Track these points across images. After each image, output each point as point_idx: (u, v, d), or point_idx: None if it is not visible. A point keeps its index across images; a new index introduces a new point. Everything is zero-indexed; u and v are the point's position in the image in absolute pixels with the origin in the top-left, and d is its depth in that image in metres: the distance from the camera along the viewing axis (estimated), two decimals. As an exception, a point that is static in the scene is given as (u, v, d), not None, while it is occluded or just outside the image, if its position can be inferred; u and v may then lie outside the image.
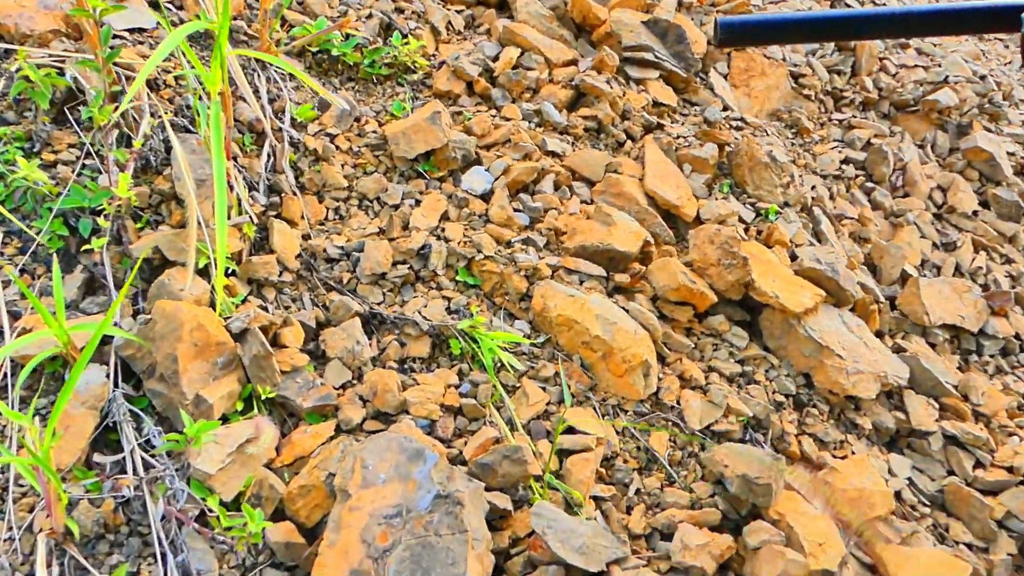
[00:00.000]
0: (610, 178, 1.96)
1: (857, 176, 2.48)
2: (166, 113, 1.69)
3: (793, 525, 1.44)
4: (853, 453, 1.74)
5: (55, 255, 1.45)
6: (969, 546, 1.66)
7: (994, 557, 1.63)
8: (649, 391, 1.64)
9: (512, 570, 1.31)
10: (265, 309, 1.54)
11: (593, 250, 1.76)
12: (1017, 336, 2.19)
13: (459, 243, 1.73)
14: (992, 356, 2.14)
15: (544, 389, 1.58)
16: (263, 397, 1.39)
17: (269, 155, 1.79)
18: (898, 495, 1.70)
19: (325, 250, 1.68)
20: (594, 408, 1.60)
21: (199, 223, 1.49)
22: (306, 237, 1.71)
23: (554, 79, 2.19)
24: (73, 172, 1.59)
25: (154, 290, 1.44)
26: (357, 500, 1.23)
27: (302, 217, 1.73)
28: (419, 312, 1.61)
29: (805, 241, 2.12)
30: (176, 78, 1.83)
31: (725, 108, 2.40)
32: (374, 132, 1.94)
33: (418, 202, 1.81)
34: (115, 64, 1.68)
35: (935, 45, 3.08)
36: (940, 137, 2.68)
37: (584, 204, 1.94)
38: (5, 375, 1.33)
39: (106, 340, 1.39)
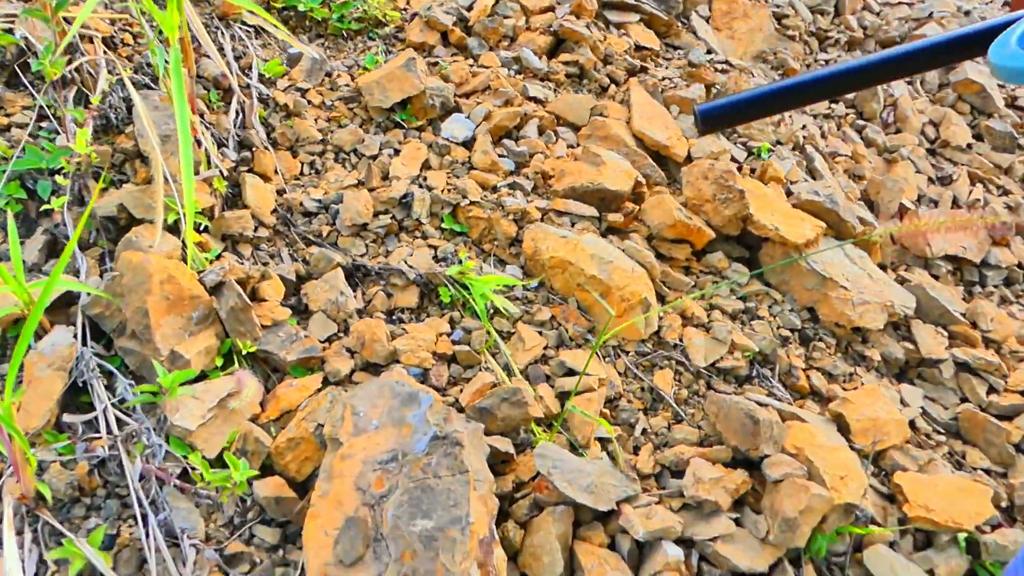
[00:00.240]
0: (596, 121, 1.89)
1: (847, 114, 2.42)
2: (125, 70, 1.61)
3: (812, 458, 1.37)
4: (863, 385, 1.67)
5: (12, 219, 1.36)
6: (987, 472, 1.60)
7: (1014, 481, 1.57)
8: (650, 330, 1.57)
9: (517, 513, 1.24)
10: (241, 265, 1.46)
11: (583, 191, 1.69)
12: (1020, 265, 2.14)
13: (443, 190, 1.65)
14: (996, 286, 2.08)
15: (540, 333, 1.51)
16: (244, 352, 1.31)
17: (238, 112, 1.71)
18: (912, 425, 1.64)
19: (302, 204, 1.60)
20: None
21: (166, 178, 1.41)
22: (281, 192, 1.63)
23: (531, 26, 2.12)
24: (28, 134, 1.50)
25: (121, 248, 1.36)
26: (349, 448, 1.15)
27: (276, 172, 1.64)
28: (405, 262, 1.54)
29: (800, 178, 2.05)
30: (135, 36, 1.74)
31: (709, 51, 2.33)
32: (347, 86, 1.85)
33: (397, 152, 1.73)
34: (66, 19, 1.58)
35: (917, -17, 3.02)
36: (929, 72, 2.62)
37: (571, 148, 1.86)
38: (-35, 343, 1.25)
39: (72, 301, 1.31)
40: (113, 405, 1.19)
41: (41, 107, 1.54)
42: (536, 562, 1.19)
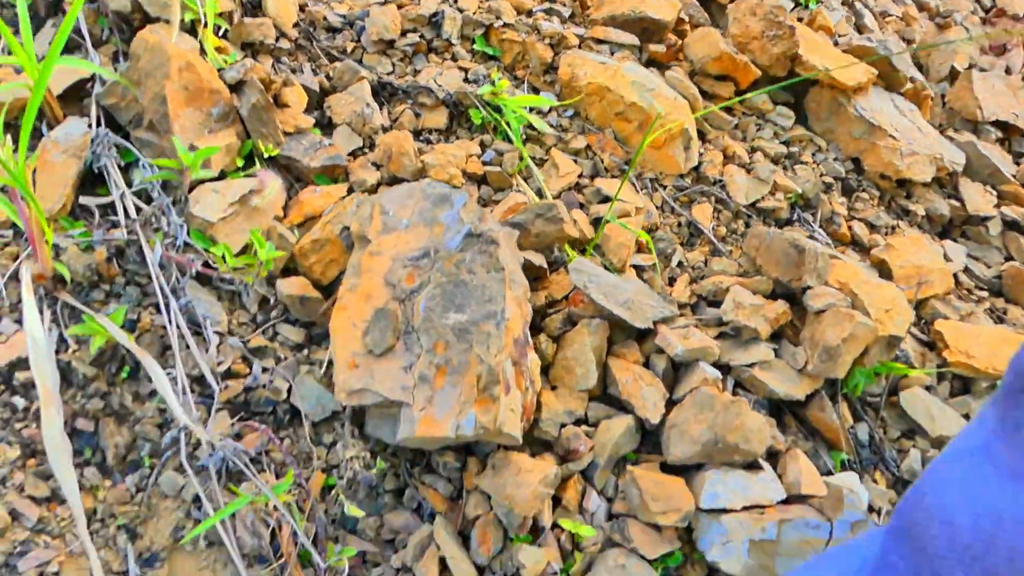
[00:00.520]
0: (638, -45, 1.76)
1: (901, -26, 2.27)
2: None
3: (857, 292, 1.31)
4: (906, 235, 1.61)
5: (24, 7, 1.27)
6: (1029, 328, 1.55)
7: (1056, 337, 1.52)
8: (690, 164, 1.49)
9: (550, 327, 1.19)
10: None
11: (624, 19, 1.59)
12: (1072, 137, 2.04)
13: (475, 11, 1.55)
14: (1045, 157, 1.98)
15: (575, 161, 1.43)
16: (265, 155, 1.24)
17: (257, -79, 1.59)
18: (954, 279, 1.58)
19: (325, 18, 1.50)
20: (631, 183, 1.45)
21: (182, -25, 1.31)
22: (303, 7, 1.53)
23: None
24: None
25: (136, 44, 1.27)
26: (378, 246, 1.10)
27: (298, -15, 1.54)
28: (434, 81, 1.45)
29: (848, 32, 1.94)
30: None
31: None
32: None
33: (427, -29, 1.62)
34: None
35: None
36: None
37: (610, -18, 1.74)
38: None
39: (86, 93, 1.24)
40: (131, 193, 1.13)
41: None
42: (568, 375, 1.15)
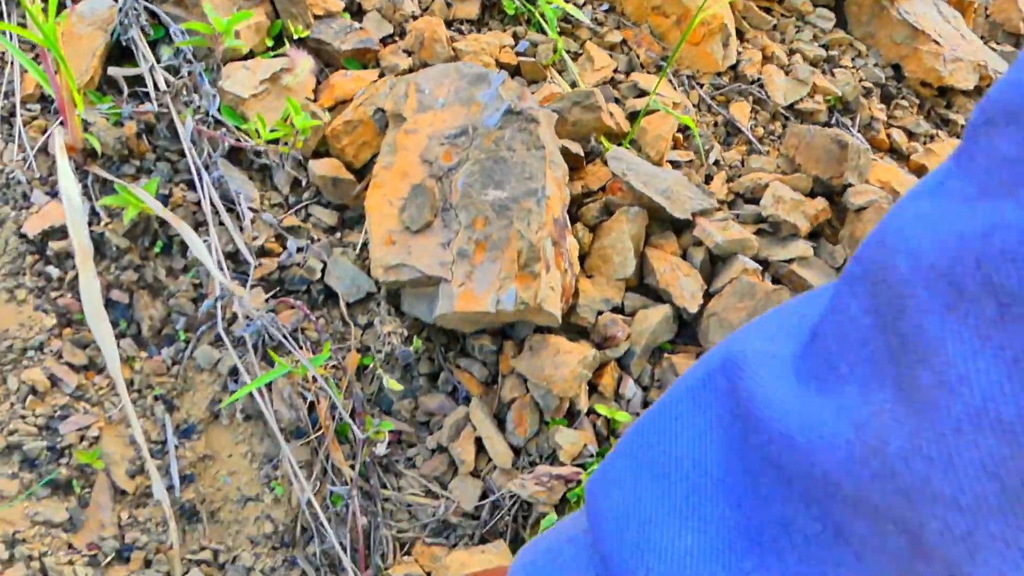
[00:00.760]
0: None
1: None
2: None
3: (899, 191, 1.28)
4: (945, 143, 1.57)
5: None
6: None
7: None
8: (728, 62, 1.45)
9: (587, 216, 1.17)
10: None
11: (662, -90, 1.52)
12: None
13: (507, -100, 1.49)
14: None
15: (611, 55, 1.39)
16: (295, 37, 1.20)
17: None
18: (993, 189, 1.55)
19: (353, -97, 1.44)
20: (668, 79, 1.41)
21: None
22: None
23: None
24: None
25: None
26: (413, 124, 1.07)
27: None
28: (466, -30, 1.40)
29: (892, -63, 1.86)
30: None
31: None
32: None
33: None
34: None
35: None
36: None
37: None
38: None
39: (109, -32, 1.19)
40: (161, 68, 1.09)
41: None
42: (605, 264, 1.13)
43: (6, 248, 0.98)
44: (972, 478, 0.26)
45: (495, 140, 1.03)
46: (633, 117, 1.31)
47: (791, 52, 1.55)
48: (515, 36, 1.37)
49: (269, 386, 0.96)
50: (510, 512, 1.01)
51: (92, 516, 0.90)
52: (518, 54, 1.33)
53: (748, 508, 0.35)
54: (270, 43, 1.19)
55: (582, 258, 1.16)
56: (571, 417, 1.06)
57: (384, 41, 1.31)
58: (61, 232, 0.98)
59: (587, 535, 0.45)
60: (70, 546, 0.87)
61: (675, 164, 1.31)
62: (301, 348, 0.99)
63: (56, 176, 1.03)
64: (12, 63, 1.08)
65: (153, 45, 1.14)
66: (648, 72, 1.41)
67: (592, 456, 1.02)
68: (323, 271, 1.05)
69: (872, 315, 0.32)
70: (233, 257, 1.03)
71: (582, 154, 1.20)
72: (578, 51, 1.39)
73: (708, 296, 1.16)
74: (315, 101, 1.19)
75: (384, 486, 1.01)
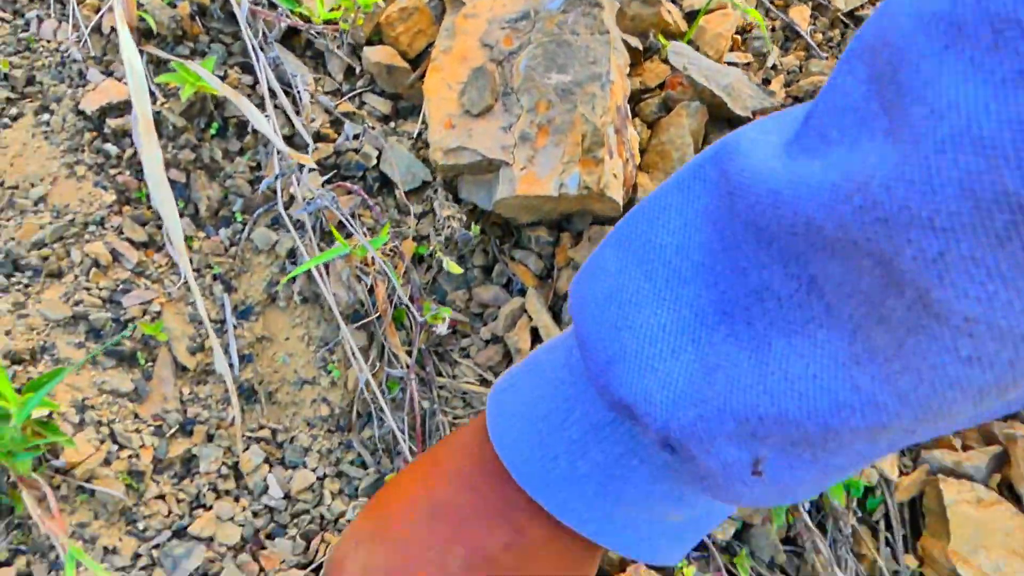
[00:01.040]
0: None
1: None
2: None
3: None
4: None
5: None
6: None
7: None
8: (789, -36, 1.40)
9: (644, 111, 1.15)
10: None
11: None
12: None
13: None
14: None
15: (667, -46, 1.34)
16: (347, -77, 1.17)
17: None
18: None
19: None
20: (724, -20, 1.36)
21: None
22: None
23: None
24: None
25: None
26: (472, 7, 1.04)
27: None
28: None
29: None
30: None
31: None
32: None
33: None
34: None
35: None
36: None
37: None
38: None
39: None
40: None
41: None
42: (663, 160, 1.11)
43: (64, 125, 0.97)
44: (949, 197, 0.27)
45: (558, 24, 1.01)
46: (691, 17, 1.27)
47: (853, -42, 1.49)
48: (569, -69, 1.33)
49: (327, 268, 0.96)
50: (565, 402, 1.01)
51: (156, 389, 0.90)
52: (573, -51, 1.29)
53: (724, 285, 0.37)
54: (322, -72, 1.16)
55: (640, 154, 1.13)
56: (626, 312, 1.05)
57: (436, -67, 1.27)
58: (118, 109, 0.97)
59: (566, 339, 0.46)
60: (136, 416, 0.88)
61: (733, 65, 1.27)
62: (358, 234, 0.98)
63: (111, 56, 1.01)
64: (63, -60, 1.06)
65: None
66: (706, -27, 1.36)
67: (648, 349, 1.01)
68: (378, 158, 1.04)
69: (867, 83, 0.32)
70: (289, 141, 1.02)
71: (641, 48, 1.17)
72: (634, -51, 1.34)
73: (766, 197, 1.13)
74: (367, -9, 1.16)
75: (439, 374, 1.01)
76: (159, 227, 0.96)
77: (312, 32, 1.04)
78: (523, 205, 0.97)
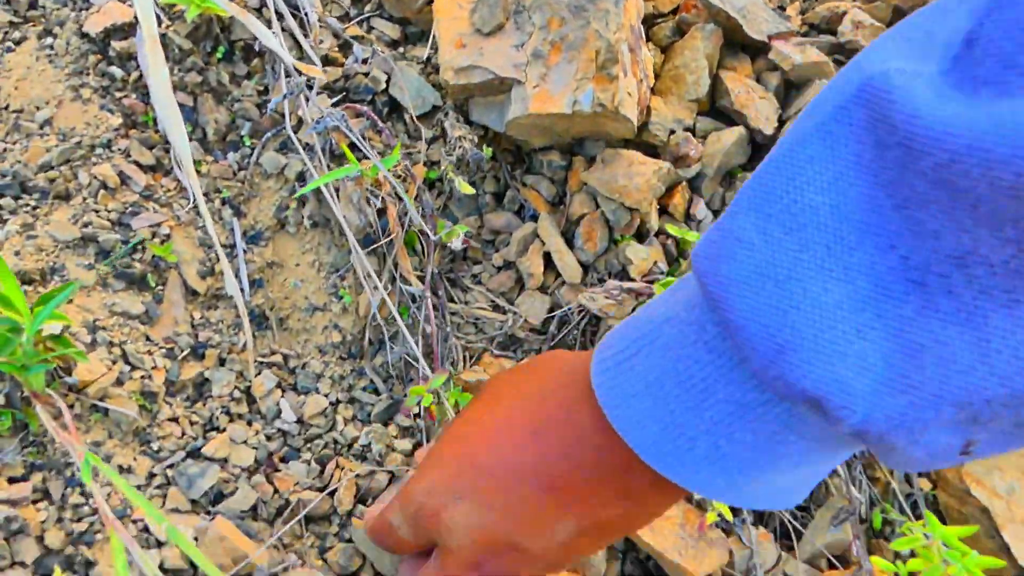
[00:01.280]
0: None
1: None
2: None
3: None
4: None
5: None
6: None
7: None
8: None
9: (658, 35, 1.12)
10: None
11: None
12: None
13: None
14: None
15: None
16: None
17: None
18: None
19: None
20: (738, -94, 1.33)
21: None
22: None
23: None
24: None
25: None
26: (482, -74, 1.01)
27: None
28: None
29: None
30: None
31: None
32: None
33: None
34: None
35: None
36: None
37: None
38: None
39: None
40: None
41: None
42: (677, 84, 1.09)
43: (68, 48, 0.96)
44: None
45: (569, -61, 0.98)
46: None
47: None
48: None
49: (337, 192, 0.95)
50: (579, 327, 1.00)
51: (166, 312, 0.90)
52: None
53: (905, 249, 0.32)
54: None
55: (653, 78, 1.11)
56: (640, 238, 1.04)
57: None
58: (122, 31, 0.96)
59: (689, 311, 0.42)
60: (147, 338, 0.88)
61: (748, -8, 1.24)
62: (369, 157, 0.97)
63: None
64: None
65: None
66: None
67: (662, 274, 1.00)
68: (387, 83, 1.02)
69: None
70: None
71: (654, -28, 1.14)
72: None
73: (781, 123, 1.11)
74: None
75: (451, 300, 1.00)
76: (166, 151, 0.95)
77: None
78: (535, 125, 0.95)
